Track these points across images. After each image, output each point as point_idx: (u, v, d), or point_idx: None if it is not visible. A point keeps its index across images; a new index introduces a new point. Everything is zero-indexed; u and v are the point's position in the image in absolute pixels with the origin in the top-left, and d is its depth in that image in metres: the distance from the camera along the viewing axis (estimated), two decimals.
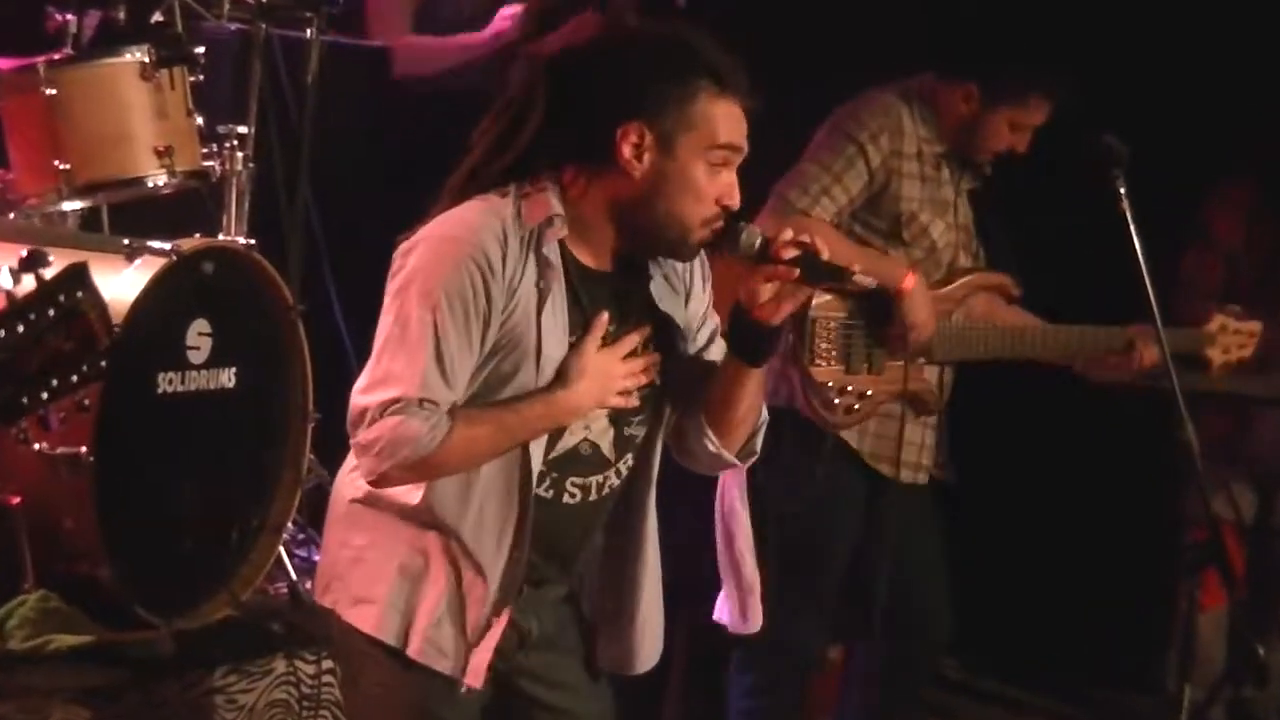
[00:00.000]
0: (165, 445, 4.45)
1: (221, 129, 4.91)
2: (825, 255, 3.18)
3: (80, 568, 4.32)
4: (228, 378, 4.55)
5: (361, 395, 3.14)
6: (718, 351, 3.38)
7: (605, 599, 3.42)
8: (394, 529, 3.26)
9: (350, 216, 5.58)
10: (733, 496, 3.62)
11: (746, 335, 3.24)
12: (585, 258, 3.22)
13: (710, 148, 3.14)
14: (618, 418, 3.29)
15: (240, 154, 4.94)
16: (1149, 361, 4.75)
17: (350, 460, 3.32)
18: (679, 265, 3.33)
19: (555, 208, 3.16)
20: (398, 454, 3.09)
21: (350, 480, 3.32)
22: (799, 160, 4.62)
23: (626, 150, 3.12)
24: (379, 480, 3.18)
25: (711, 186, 3.15)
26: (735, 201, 3.20)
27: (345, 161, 5.63)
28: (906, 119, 4.62)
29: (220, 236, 4.90)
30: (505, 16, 5.77)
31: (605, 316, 3.21)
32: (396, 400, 3.08)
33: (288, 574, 4.82)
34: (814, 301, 4.52)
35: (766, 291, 3.19)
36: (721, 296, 3.43)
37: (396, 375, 3.09)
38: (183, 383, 4.44)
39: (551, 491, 3.27)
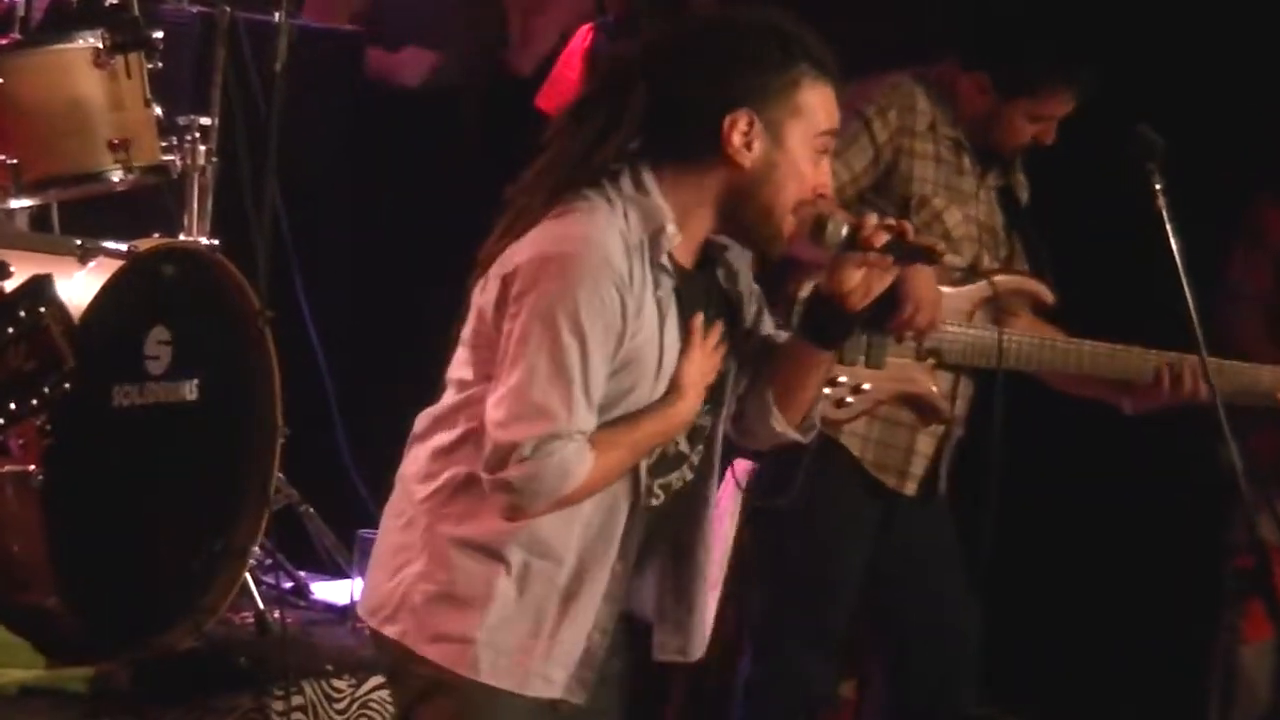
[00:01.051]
0: (121, 463, 4.42)
1: (182, 120, 4.88)
2: (910, 235, 3.30)
3: (29, 596, 4.30)
4: (189, 390, 4.54)
5: (508, 430, 3.14)
6: (768, 323, 3.49)
7: (669, 589, 3.48)
8: (489, 565, 3.26)
9: (322, 215, 5.63)
10: (726, 506, 3.61)
11: (826, 321, 3.37)
12: (682, 258, 3.29)
13: (817, 134, 3.25)
14: None
15: (203, 148, 4.90)
16: (1190, 393, 4.60)
17: (423, 487, 3.29)
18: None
19: (667, 213, 3.23)
20: (552, 492, 3.15)
21: (431, 509, 3.29)
22: None
23: (736, 140, 3.21)
24: (519, 516, 3.21)
25: (814, 174, 3.27)
26: (830, 189, 3.33)
27: (316, 156, 5.65)
28: (921, 98, 4.61)
29: (181, 237, 4.86)
30: None
31: (701, 320, 3.29)
32: (553, 436, 3.12)
33: (254, 602, 4.79)
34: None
35: (855, 278, 3.29)
36: None
37: (548, 409, 3.12)
38: (140, 395, 4.42)
39: (644, 499, 3.34)
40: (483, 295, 3.23)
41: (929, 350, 4.59)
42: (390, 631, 3.32)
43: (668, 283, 3.22)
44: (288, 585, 5.07)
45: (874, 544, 4.72)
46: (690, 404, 3.26)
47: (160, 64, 4.73)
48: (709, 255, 3.35)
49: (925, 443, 4.66)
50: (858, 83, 4.56)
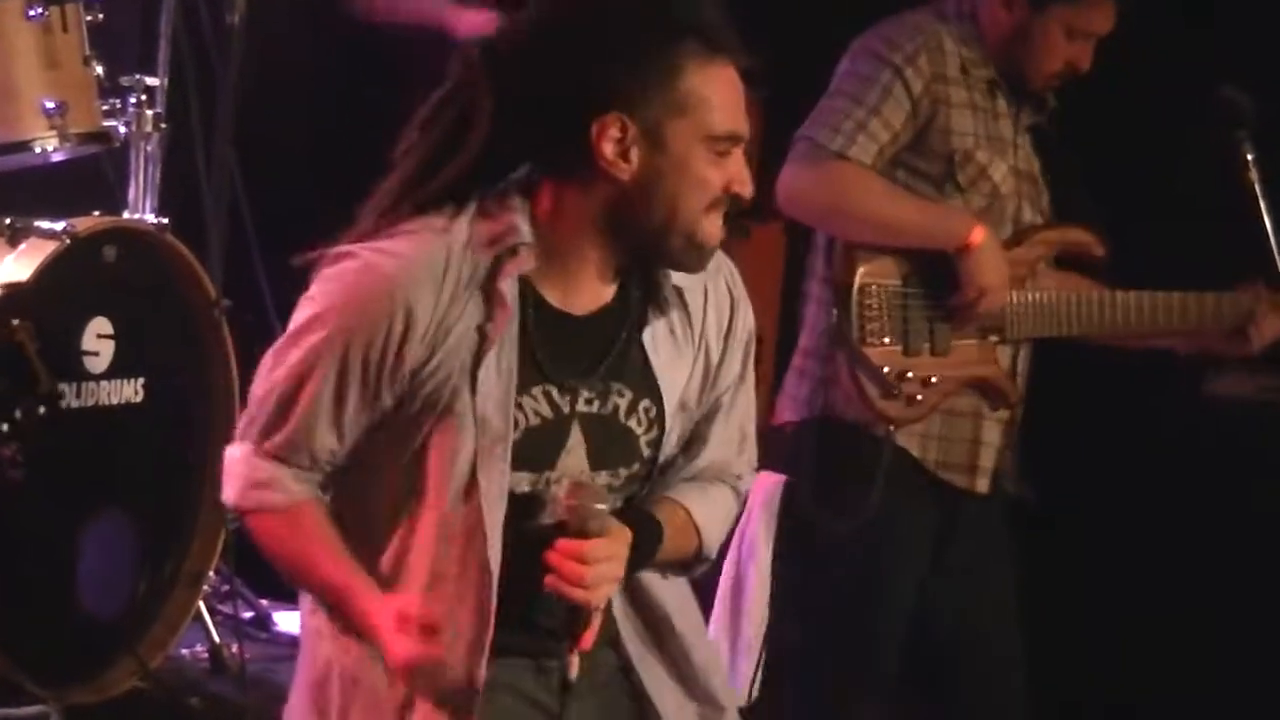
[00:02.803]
0: (56, 474, 4.37)
1: (126, 81, 4.89)
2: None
3: None
4: (134, 390, 4.54)
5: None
6: (723, 427, 3.27)
7: None
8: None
9: (285, 190, 5.55)
10: (755, 532, 3.51)
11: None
12: (557, 297, 3.10)
13: (711, 137, 3.02)
14: None
15: (149, 112, 4.92)
16: (1271, 334, 4.66)
17: None
18: (692, 308, 3.23)
19: (521, 233, 3.04)
20: (251, 496, 3.06)
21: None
22: (822, 97, 4.56)
23: (607, 149, 2.99)
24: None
25: (718, 174, 3.04)
26: (748, 189, 3.10)
27: (279, 122, 5.60)
28: (947, 39, 4.63)
29: (125, 215, 4.87)
30: None
31: None
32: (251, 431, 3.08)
33: (209, 635, 4.81)
34: (861, 268, 4.49)
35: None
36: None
37: (260, 409, 3.07)
38: (78, 396, 4.35)
39: None
40: None
41: (992, 326, 4.59)
42: None
43: (502, 315, 3.02)
44: (247, 615, 5.11)
45: (928, 552, 4.68)
46: (388, 643, 3.01)
47: (101, 16, 4.73)
48: (639, 310, 3.15)
49: (991, 431, 4.65)
50: (872, 28, 4.66)
